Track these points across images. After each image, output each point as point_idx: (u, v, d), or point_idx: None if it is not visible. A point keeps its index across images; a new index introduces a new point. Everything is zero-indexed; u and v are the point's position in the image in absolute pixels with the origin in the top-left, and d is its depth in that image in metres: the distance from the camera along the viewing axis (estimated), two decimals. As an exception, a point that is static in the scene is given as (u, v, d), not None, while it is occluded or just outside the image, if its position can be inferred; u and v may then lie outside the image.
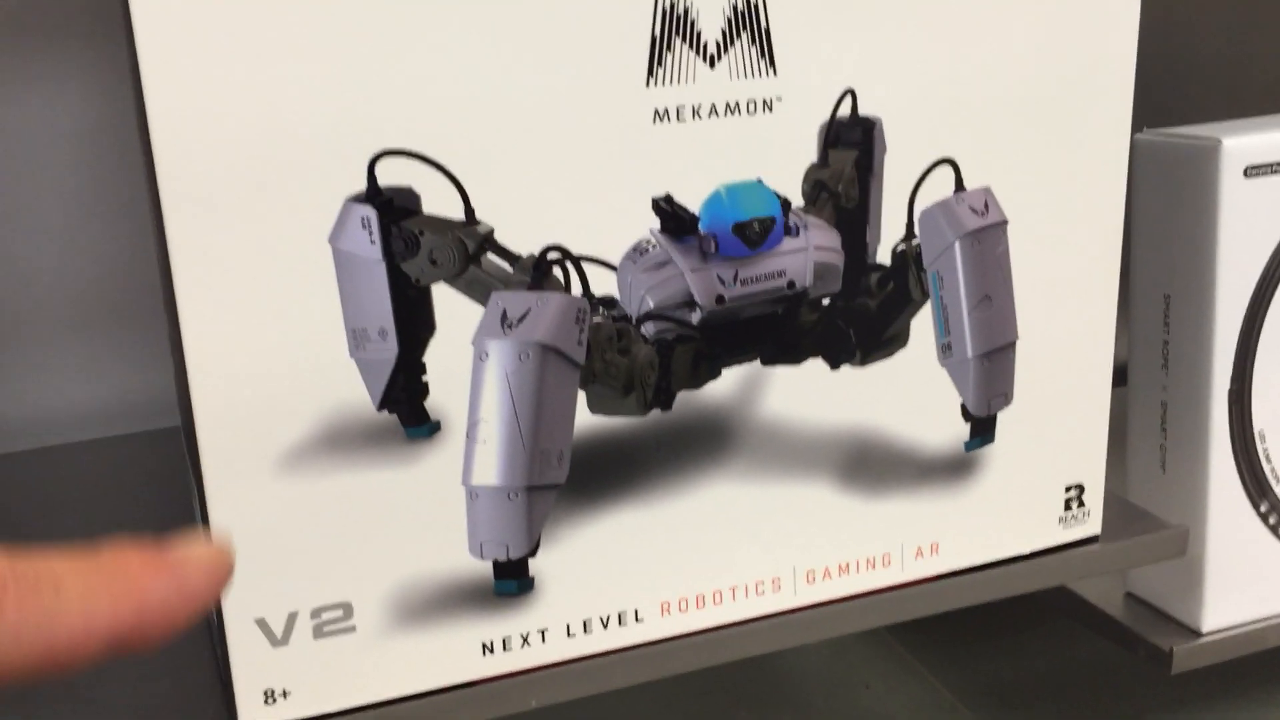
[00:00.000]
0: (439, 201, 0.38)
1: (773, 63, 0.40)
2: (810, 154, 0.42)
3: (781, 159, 0.42)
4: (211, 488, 0.38)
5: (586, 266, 0.40)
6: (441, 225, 0.38)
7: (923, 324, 0.46)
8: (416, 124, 0.37)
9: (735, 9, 0.40)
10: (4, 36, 0.59)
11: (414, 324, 0.39)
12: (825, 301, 0.44)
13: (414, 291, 0.39)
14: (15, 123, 0.60)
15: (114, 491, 0.59)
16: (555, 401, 0.40)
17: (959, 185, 0.44)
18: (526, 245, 0.39)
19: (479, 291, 0.39)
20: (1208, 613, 0.58)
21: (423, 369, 0.39)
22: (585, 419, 0.41)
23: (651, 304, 0.41)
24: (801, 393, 0.44)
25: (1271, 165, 0.53)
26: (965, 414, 0.47)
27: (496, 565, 0.41)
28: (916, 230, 0.44)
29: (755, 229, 0.42)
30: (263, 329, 0.37)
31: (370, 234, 0.37)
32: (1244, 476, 0.57)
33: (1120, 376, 0.52)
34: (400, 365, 0.39)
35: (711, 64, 0.40)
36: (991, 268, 0.46)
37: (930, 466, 0.47)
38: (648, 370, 0.42)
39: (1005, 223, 0.46)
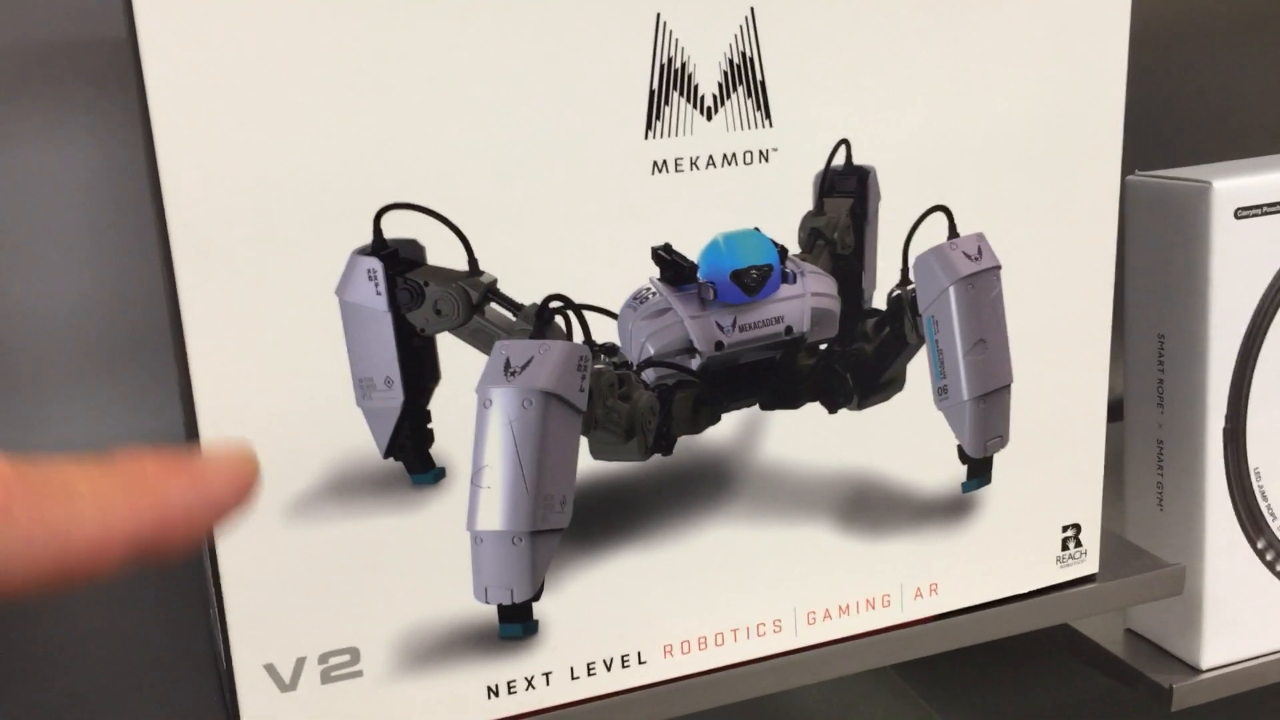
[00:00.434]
0: (443, 252, 0.39)
1: (768, 114, 0.41)
2: (806, 202, 0.43)
3: (778, 207, 0.42)
4: (220, 534, 0.38)
5: (588, 315, 0.41)
6: (446, 276, 0.39)
7: (919, 368, 0.46)
8: (421, 177, 0.38)
9: (731, 63, 0.40)
10: (16, 82, 0.60)
11: (419, 373, 0.40)
12: (823, 346, 0.45)
13: (419, 341, 0.39)
14: (26, 168, 0.61)
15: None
16: (558, 448, 0.41)
17: (952, 231, 0.45)
18: (529, 294, 0.40)
19: (483, 340, 0.40)
20: (1207, 650, 0.58)
21: (428, 417, 0.40)
22: (588, 464, 0.42)
23: (652, 350, 0.42)
24: (800, 436, 0.45)
25: (1262, 207, 0.53)
26: (962, 456, 0.48)
27: (501, 609, 0.42)
28: (911, 276, 0.45)
29: (753, 276, 0.42)
30: (271, 378, 0.38)
31: (376, 285, 0.38)
32: (1240, 514, 0.57)
33: (1116, 411, 0.52)
34: (406, 413, 0.39)
35: (709, 116, 0.41)
36: (986, 311, 0.46)
37: (928, 508, 0.48)
38: (649, 416, 0.42)
39: (999, 267, 0.46)
